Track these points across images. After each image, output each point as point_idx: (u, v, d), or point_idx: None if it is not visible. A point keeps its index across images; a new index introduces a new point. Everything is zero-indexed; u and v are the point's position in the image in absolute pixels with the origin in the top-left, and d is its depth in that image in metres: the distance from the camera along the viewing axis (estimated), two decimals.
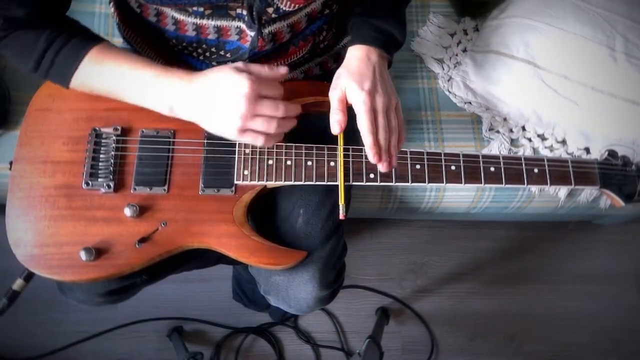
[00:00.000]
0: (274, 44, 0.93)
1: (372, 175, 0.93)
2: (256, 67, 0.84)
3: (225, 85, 0.81)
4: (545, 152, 1.33)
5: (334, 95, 0.88)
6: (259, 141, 0.84)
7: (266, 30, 0.89)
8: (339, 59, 1.09)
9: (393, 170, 0.92)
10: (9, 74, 1.28)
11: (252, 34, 0.89)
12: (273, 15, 0.87)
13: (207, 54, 0.97)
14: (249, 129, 0.82)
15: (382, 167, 0.87)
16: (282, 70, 0.87)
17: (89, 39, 0.86)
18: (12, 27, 0.83)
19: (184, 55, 0.99)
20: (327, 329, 1.70)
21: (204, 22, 0.89)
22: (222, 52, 0.95)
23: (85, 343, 1.60)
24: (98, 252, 0.85)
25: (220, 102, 0.81)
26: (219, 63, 0.97)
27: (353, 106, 0.86)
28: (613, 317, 1.78)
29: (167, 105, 0.84)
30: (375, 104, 0.85)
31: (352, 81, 0.86)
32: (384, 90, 0.87)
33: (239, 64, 0.83)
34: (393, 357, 1.69)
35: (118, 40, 1.18)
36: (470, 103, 1.37)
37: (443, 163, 0.94)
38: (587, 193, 1.34)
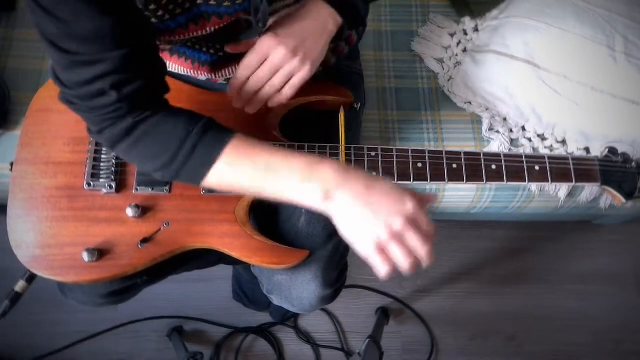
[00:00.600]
0: None
1: (374, 174, 0.93)
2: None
3: (390, 194, 0.72)
4: (545, 152, 1.33)
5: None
6: (382, 270, 0.72)
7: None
8: (337, 52, 1.09)
9: (395, 169, 0.92)
10: (9, 74, 1.28)
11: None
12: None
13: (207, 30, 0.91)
14: (387, 248, 0.71)
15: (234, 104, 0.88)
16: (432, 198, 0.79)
17: (224, 130, 0.77)
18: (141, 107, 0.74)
19: (180, 47, 0.97)
20: (327, 329, 1.70)
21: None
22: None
23: (85, 343, 1.59)
24: (100, 253, 0.85)
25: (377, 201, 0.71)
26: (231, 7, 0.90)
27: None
28: (613, 317, 1.78)
29: (323, 190, 0.72)
30: (273, 54, 0.83)
31: (273, 25, 0.85)
32: (294, 52, 0.83)
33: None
34: (393, 357, 1.69)
35: None
36: (470, 103, 1.37)
37: (445, 161, 0.94)
38: (587, 192, 1.34)
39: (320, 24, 0.86)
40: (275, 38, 0.82)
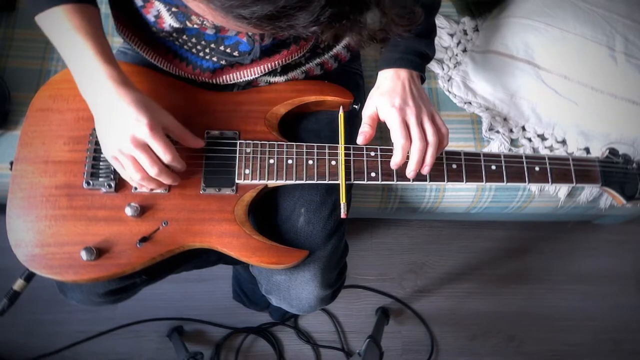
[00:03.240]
0: (273, 40, 0.94)
1: (373, 174, 0.93)
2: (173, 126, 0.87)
3: (126, 116, 0.81)
4: (545, 152, 1.33)
5: (366, 112, 0.94)
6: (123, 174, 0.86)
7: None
8: (339, 59, 1.09)
9: (394, 169, 0.92)
10: (9, 74, 1.28)
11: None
12: None
13: (207, 49, 0.97)
14: (119, 160, 0.84)
15: (410, 174, 0.91)
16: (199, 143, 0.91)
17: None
18: None
19: (184, 51, 0.99)
20: (327, 329, 1.70)
21: None
22: (221, 48, 0.96)
23: (85, 343, 1.59)
24: (99, 251, 0.85)
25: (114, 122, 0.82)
26: (222, 59, 0.97)
27: (387, 123, 0.91)
28: (613, 317, 1.78)
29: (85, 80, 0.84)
30: (407, 117, 0.89)
31: (383, 99, 0.91)
32: (415, 103, 0.90)
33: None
34: (393, 357, 1.69)
35: (118, 40, 1.18)
36: (470, 103, 1.37)
37: (444, 162, 0.94)
38: (587, 193, 1.34)
39: (407, 74, 0.94)
40: (397, 110, 0.89)
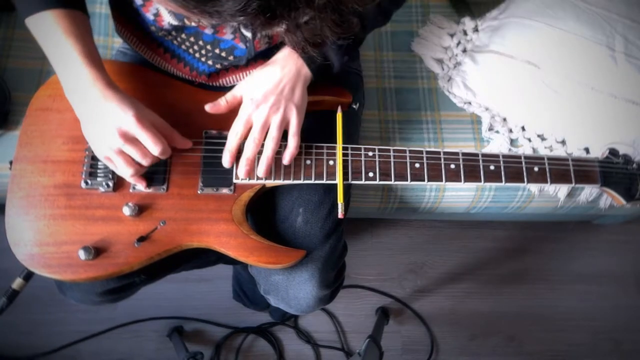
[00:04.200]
0: (270, 44, 0.94)
1: (371, 174, 0.93)
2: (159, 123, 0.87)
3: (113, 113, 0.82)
4: (544, 152, 1.33)
5: (233, 91, 0.92)
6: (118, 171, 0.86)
7: (263, 32, 0.90)
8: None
9: (392, 169, 0.92)
10: (9, 74, 1.28)
11: (249, 34, 0.90)
12: None
13: (203, 51, 0.97)
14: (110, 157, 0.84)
15: (239, 172, 0.90)
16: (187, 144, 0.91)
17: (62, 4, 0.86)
18: None
19: (182, 51, 1.00)
20: (327, 328, 1.70)
21: None
22: (217, 51, 0.96)
23: (85, 342, 1.60)
24: (97, 251, 0.85)
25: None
26: (217, 63, 0.97)
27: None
28: (613, 317, 1.77)
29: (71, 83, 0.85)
30: (256, 116, 0.88)
31: (249, 88, 0.90)
32: (275, 103, 0.88)
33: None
34: (393, 357, 1.69)
35: (118, 41, 1.18)
36: (470, 103, 1.37)
37: (442, 162, 0.94)
38: (587, 193, 1.34)
39: (295, 70, 0.90)
40: (251, 104, 0.88)
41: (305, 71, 0.90)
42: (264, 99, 0.88)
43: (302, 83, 0.91)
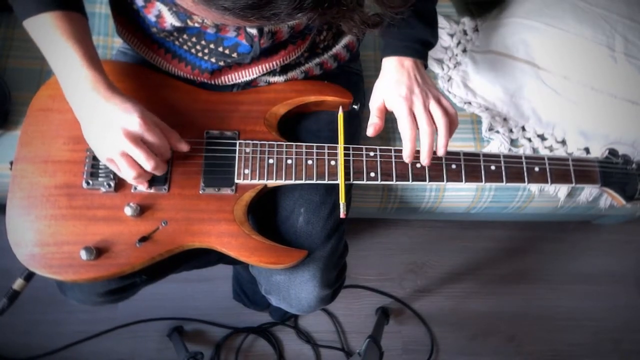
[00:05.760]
0: (273, 41, 0.94)
1: (372, 174, 0.93)
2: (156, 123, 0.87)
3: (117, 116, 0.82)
4: (545, 152, 1.33)
5: (373, 105, 0.94)
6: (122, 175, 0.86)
7: (266, 29, 0.90)
8: (338, 59, 1.09)
9: (393, 169, 0.93)
10: (9, 74, 1.28)
11: (253, 31, 0.90)
12: None
13: (206, 50, 0.97)
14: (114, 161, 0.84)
15: (424, 161, 0.91)
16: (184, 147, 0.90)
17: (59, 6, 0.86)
18: None
19: (183, 52, 1.00)
20: (327, 328, 1.70)
21: None
22: (220, 48, 0.96)
23: (85, 343, 1.59)
24: (98, 251, 0.85)
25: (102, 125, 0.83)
26: (220, 60, 0.97)
27: (395, 114, 0.91)
28: (613, 317, 1.78)
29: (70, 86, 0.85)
30: (413, 106, 0.90)
31: (389, 90, 0.92)
32: (421, 90, 0.91)
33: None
34: (393, 357, 1.69)
35: (118, 41, 1.18)
36: (470, 103, 1.37)
37: (444, 162, 0.94)
38: (587, 193, 1.34)
39: (410, 62, 0.94)
40: (404, 100, 0.90)
41: (417, 62, 0.95)
42: (409, 91, 0.90)
43: (422, 68, 0.96)
